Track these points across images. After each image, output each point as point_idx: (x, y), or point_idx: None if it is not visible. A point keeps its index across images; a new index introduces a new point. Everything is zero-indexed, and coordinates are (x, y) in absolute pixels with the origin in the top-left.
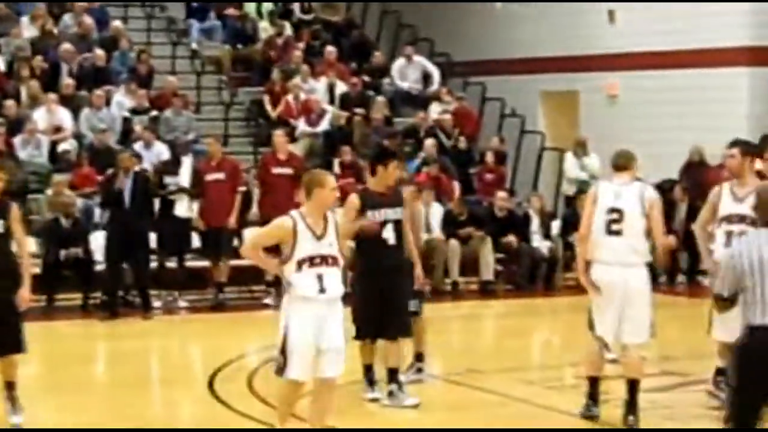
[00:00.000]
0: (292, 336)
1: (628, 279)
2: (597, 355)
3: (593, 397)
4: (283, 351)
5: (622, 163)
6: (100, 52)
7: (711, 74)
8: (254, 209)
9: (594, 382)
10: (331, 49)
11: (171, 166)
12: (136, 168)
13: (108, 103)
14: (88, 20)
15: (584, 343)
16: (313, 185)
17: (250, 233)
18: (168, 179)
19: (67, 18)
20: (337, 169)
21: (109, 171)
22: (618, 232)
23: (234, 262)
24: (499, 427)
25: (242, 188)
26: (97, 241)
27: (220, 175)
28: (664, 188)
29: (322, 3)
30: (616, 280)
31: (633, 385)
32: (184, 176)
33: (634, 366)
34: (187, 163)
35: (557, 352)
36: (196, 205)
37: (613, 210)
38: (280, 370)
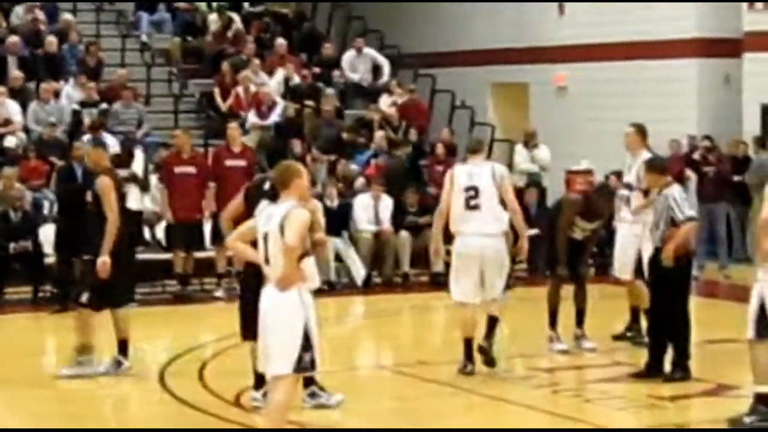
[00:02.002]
0: (312, 328)
1: (484, 247)
2: (469, 320)
3: (469, 356)
4: (310, 346)
5: (474, 146)
6: (51, 39)
7: (659, 66)
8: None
9: (468, 342)
10: (281, 42)
11: (123, 158)
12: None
13: (57, 95)
14: (40, 14)
15: (534, 334)
16: (292, 176)
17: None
18: (120, 172)
19: (19, 10)
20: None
21: (60, 163)
22: (476, 207)
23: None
24: (448, 417)
25: (212, 183)
26: (47, 233)
27: (190, 169)
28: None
29: None
30: (475, 249)
31: (492, 321)
32: (137, 169)
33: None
34: (139, 156)
35: (507, 343)
36: (147, 198)
37: (469, 188)
38: (312, 364)
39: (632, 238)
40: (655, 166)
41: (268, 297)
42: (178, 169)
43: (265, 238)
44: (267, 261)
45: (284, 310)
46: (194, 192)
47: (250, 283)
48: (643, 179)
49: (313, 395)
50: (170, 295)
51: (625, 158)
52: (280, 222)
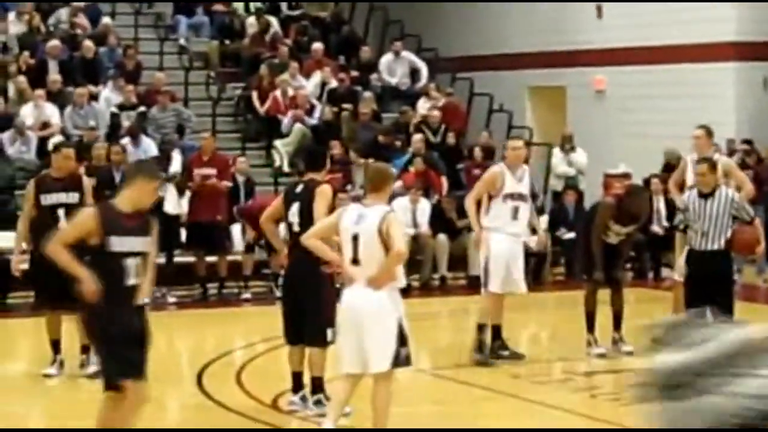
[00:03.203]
0: (405, 324)
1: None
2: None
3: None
4: (405, 341)
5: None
6: (89, 43)
7: (698, 69)
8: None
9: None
10: (318, 45)
11: (160, 162)
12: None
13: (95, 99)
14: (83, 18)
15: (572, 338)
16: (386, 179)
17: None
18: None
19: (63, 13)
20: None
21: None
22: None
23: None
24: (487, 421)
25: (228, 183)
26: None
27: (211, 170)
28: (650, 183)
29: None
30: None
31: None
32: (174, 172)
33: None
34: (176, 158)
35: (545, 347)
36: (185, 201)
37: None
38: (408, 359)
39: None
40: (714, 166)
41: (362, 297)
42: (198, 171)
43: (355, 238)
44: (356, 261)
45: (382, 309)
46: (214, 194)
47: (313, 285)
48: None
49: (319, 402)
50: (196, 298)
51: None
52: (379, 225)
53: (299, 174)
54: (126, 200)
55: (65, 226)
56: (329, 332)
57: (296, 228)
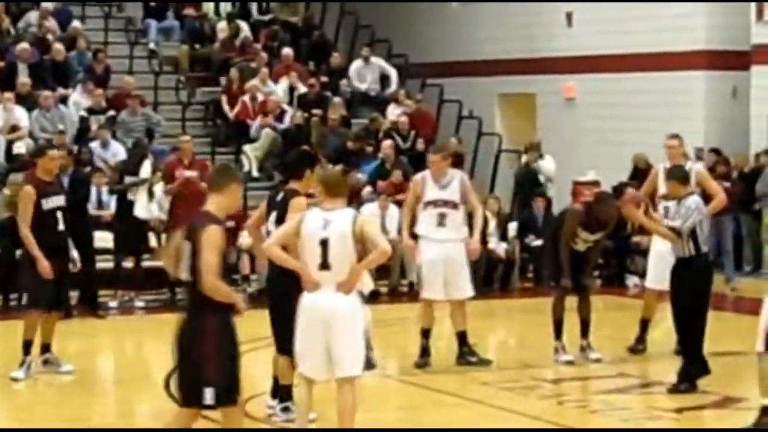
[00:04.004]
0: (369, 329)
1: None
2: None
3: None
4: (370, 345)
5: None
6: (58, 46)
7: (668, 77)
8: None
9: (426, 333)
10: (288, 50)
11: (131, 166)
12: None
13: (64, 102)
14: (52, 22)
15: (540, 345)
16: (344, 184)
17: None
18: (128, 179)
19: (32, 16)
20: None
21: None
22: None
23: None
24: (452, 427)
25: None
26: None
27: (193, 173)
28: (619, 191)
29: (280, 3)
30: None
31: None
32: (145, 175)
33: None
34: (147, 162)
35: (513, 353)
36: (154, 205)
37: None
38: (373, 362)
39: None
40: (680, 175)
41: (332, 301)
42: (179, 174)
43: (324, 243)
44: (326, 266)
45: (354, 313)
46: (196, 197)
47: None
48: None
49: (287, 410)
50: (165, 302)
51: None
52: (352, 228)
53: (269, 179)
54: (221, 207)
55: (209, 244)
56: None
57: None
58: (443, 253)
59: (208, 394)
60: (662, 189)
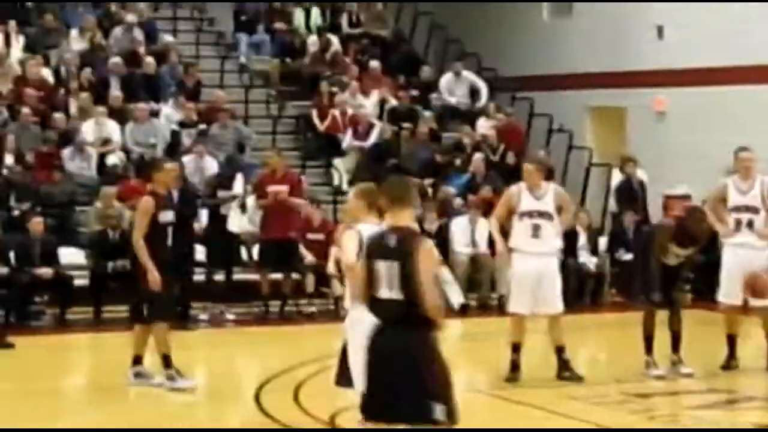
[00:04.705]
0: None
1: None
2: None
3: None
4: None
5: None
6: (150, 60)
7: (760, 90)
8: None
9: (515, 348)
10: (377, 64)
11: (224, 180)
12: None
13: (156, 116)
14: (139, 35)
15: (630, 360)
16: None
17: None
18: (221, 193)
19: (117, 31)
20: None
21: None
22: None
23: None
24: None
25: (302, 201)
26: None
27: (283, 188)
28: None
29: (370, 17)
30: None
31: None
32: (238, 190)
33: None
34: (239, 177)
35: (603, 368)
36: (245, 219)
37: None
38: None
39: (745, 262)
40: None
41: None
42: (271, 188)
43: None
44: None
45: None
46: (287, 211)
47: None
48: None
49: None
50: (265, 316)
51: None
52: None
53: None
54: (405, 219)
55: (429, 262)
56: None
57: None
58: (534, 267)
59: (438, 410)
60: (743, 201)
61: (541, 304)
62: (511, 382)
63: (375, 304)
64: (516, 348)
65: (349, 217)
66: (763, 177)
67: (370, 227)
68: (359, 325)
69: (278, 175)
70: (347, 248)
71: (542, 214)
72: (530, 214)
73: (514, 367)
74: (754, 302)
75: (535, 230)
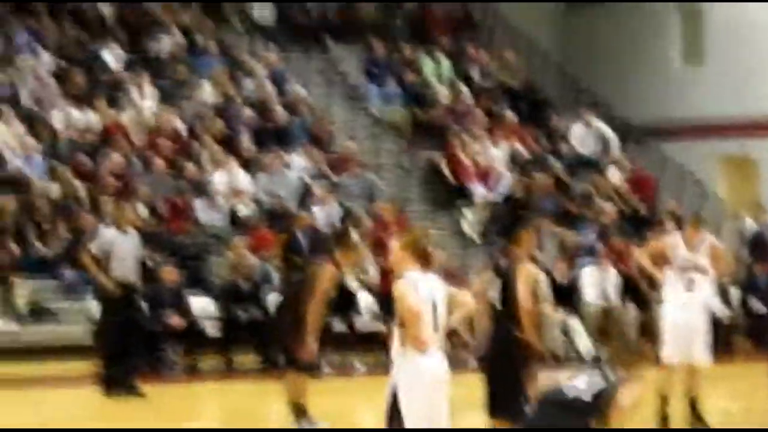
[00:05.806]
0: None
1: None
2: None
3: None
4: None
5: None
6: (280, 110)
7: None
8: None
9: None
10: (509, 114)
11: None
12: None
13: (288, 166)
14: (269, 86)
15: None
16: None
17: None
18: None
19: (248, 82)
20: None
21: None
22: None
23: None
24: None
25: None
26: (273, 302)
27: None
28: None
29: (500, 66)
30: None
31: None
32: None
33: None
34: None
35: (735, 419)
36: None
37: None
38: None
39: None
40: None
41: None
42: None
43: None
44: (437, 328)
45: None
46: None
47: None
48: None
49: None
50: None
51: None
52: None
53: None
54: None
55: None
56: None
57: None
58: (686, 318)
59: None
60: None
61: (690, 355)
62: None
63: None
64: (665, 400)
65: (396, 269)
66: None
67: (416, 275)
68: (415, 372)
69: (395, 227)
70: (407, 295)
71: (697, 268)
72: (685, 267)
73: (664, 420)
74: None
75: (689, 284)
